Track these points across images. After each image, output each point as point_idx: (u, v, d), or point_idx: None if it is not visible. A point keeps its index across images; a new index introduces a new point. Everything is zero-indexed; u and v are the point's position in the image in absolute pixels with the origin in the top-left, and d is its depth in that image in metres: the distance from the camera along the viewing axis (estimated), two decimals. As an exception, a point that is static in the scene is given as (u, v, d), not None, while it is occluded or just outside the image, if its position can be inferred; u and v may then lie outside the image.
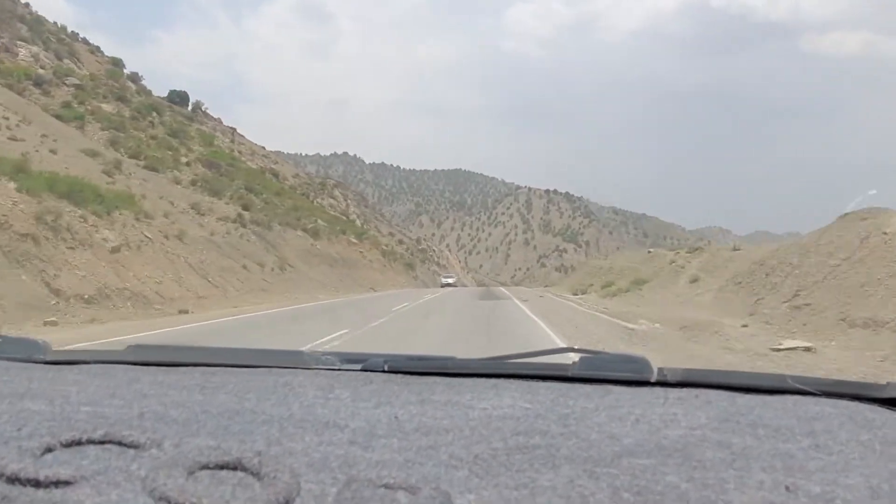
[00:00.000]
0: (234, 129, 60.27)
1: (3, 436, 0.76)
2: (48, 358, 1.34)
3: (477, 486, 0.70)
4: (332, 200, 66.32)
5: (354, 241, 47.70)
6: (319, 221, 42.67)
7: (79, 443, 0.74)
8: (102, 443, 0.75)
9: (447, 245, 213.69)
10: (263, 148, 67.65)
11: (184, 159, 39.20)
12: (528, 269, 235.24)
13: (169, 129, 43.39)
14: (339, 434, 0.84)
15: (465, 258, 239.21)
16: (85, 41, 56.29)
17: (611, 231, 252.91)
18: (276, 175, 54.42)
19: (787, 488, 0.71)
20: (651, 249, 43.04)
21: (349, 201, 73.38)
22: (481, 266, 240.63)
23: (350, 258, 45.55)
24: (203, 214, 29.19)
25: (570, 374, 1.19)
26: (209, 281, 23.27)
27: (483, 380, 1.17)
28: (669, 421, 0.91)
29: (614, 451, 0.79)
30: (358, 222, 70.06)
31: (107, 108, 40.00)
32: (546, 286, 59.83)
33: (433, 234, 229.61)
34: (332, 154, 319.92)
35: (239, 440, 0.80)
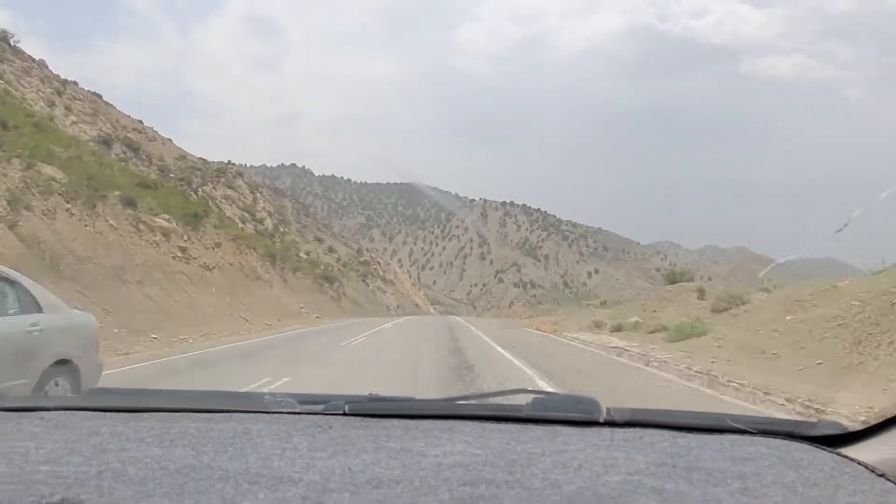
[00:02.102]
0: (74, 83, 46.21)
1: None
2: (7, 405, 1.34)
3: None
4: (230, 191, 52.84)
5: (238, 245, 35.21)
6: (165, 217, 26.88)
7: None
8: None
9: (399, 260, 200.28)
10: (140, 122, 53.96)
11: None
12: (484, 286, 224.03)
13: None
14: (292, 489, 0.83)
15: (418, 274, 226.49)
16: None
17: (570, 244, 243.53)
18: (134, 150, 40.81)
19: None
20: (670, 285, 30.69)
21: (260, 195, 59.93)
22: (435, 282, 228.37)
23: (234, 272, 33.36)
24: None
25: (522, 414, 1.24)
26: None
27: (440, 422, 1.22)
28: (610, 466, 0.94)
29: (555, 500, 0.81)
30: (269, 222, 56.60)
31: None
32: (530, 317, 47.61)
33: (385, 249, 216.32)
34: (279, 165, 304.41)
35: (194, 500, 0.79)
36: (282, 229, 62.07)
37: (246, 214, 52.32)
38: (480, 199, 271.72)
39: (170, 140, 57.86)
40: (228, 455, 0.97)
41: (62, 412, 1.28)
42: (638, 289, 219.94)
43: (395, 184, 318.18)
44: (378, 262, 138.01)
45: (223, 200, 49.57)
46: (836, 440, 1.16)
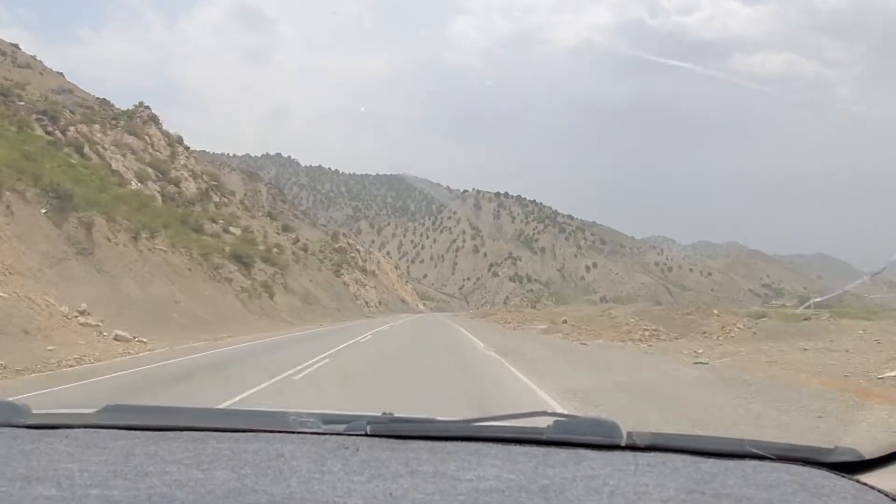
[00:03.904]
0: None
1: None
2: (29, 422, 1.34)
3: None
4: (134, 140, 40.99)
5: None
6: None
7: None
8: None
9: (387, 252, 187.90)
10: (16, 46, 42.19)
11: None
12: (478, 279, 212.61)
13: None
14: None
15: (408, 267, 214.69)
16: None
17: (567, 237, 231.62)
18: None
19: None
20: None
21: (185, 154, 48.14)
22: (425, 276, 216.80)
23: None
24: None
25: (544, 437, 1.25)
26: None
27: (464, 444, 1.23)
28: (642, 493, 0.96)
29: None
30: (192, 186, 44.74)
31: None
32: (533, 322, 38.16)
33: (373, 241, 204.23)
34: (263, 155, 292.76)
35: None
36: (217, 199, 50.19)
37: (150, 171, 40.47)
38: (473, 189, 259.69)
39: (61, 75, 47.07)
40: (269, 478, 0.99)
41: (87, 430, 1.29)
42: (639, 284, 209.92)
43: (385, 175, 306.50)
44: (357, 251, 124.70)
45: (113, 149, 37.73)
46: (854, 467, 1.18)
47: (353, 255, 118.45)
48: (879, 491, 1.04)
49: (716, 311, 23.91)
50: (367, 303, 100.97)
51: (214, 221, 41.53)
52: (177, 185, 42.79)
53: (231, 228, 42.20)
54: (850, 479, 1.11)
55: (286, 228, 64.31)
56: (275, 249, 47.45)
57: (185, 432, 1.28)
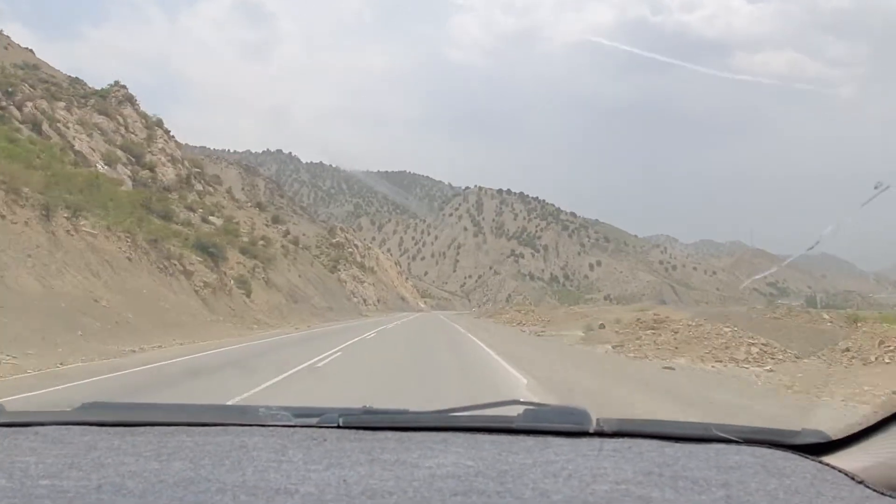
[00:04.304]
0: None
1: None
2: (2, 420, 1.35)
3: None
4: (104, 120, 38.00)
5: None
6: None
7: None
8: None
9: (388, 250, 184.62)
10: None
11: None
12: (479, 277, 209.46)
13: None
14: (289, 500, 0.86)
15: (409, 264, 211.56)
16: None
17: (570, 234, 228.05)
18: None
19: None
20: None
21: (165, 138, 45.08)
22: (426, 273, 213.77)
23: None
24: None
25: (514, 425, 1.27)
26: None
27: (434, 434, 1.25)
28: (599, 475, 0.97)
29: None
30: (170, 172, 41.73)
31: None
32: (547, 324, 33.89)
33: (373, 238, 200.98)
34: (264, 151, 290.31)
35: None
36: (200, 187, 47.09)
37: (120, 154, 37.34)
38: (475, 186, 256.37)
39: (30, 51, 44.16)
40: (226, 468, 0.99)
41: (58, 427, 1.28)
42: (643, 282, 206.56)
43: (386, 172, 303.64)
44: (355, 246, 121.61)
45: (78, 128, 34.60)
46: (819, 448, 1.19)
47: (350, 250, 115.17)
48: (840, 471, 1.05)
49: (864, 316, 18.13)
50: (364, 300, 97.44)
51: (192, 210, 38.42)
52: (152, 169, 39.68)
53: (211, 217, 39.12)
54: (813, 459, 1.13)
55: (276, 220, 61.06)
56: (261, 242, 44.32)
57: (155, 427, 1.27)
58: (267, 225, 56.61)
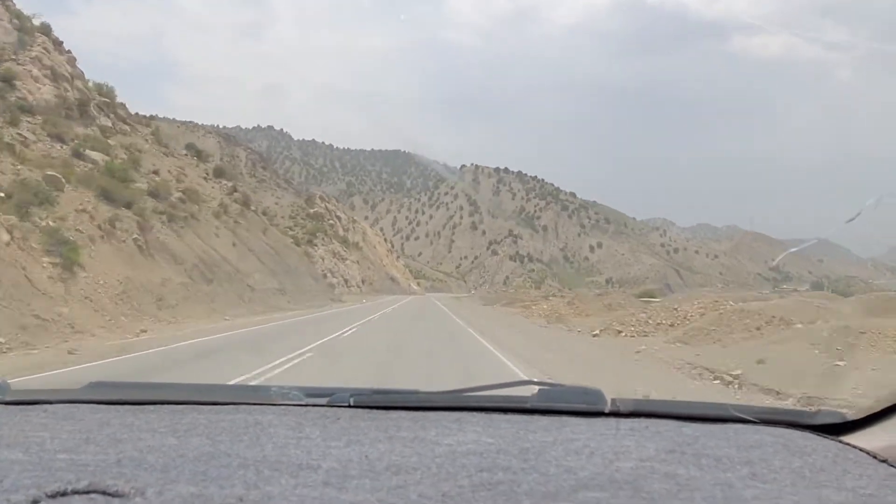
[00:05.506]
0: None
1: None
2: (8, 398, 1.35)
3: None
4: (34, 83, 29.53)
5: None
6: None
7: (64, 493, 0.75)
8: (87, 492, 0.75)
9: (381, 228, 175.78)
10: None
11: None
12: (476, 258, 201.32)
13: None
14: (313, 475, 0.86)
15: (402, 244, 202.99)
16: None
17: (570, 215, 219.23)
18: None
19: None
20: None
21: (35, 35, 36.56)
22: (420, 254, 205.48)
23: None
24: None
25: (528, 405, 1.27)
26: None
27: (447, 413, 1.25)
28: (621, 453, 0.98)
29: (570, 484, 0.84)
30: (50, 93, 33.22)
31: None
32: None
33: (366, 217, 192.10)
34: (254, 127, 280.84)
35: (218, 486, 0.81)
36: (107, 122, 38.43)
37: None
38: (472, 164, 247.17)
39: None
40: (244, 444, 0.99)
41: (67, 405, 1.27)
42: (646, 266, 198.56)
43: (380, 150, 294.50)
44: (337, 218, 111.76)
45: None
46: (837, 429, 1.20)
47: (332, 222, 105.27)
48: (861, 450, 1.06)
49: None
50: (345, 281, 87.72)
51: (63, 142, 29.85)
52: (10, 82, 30.95)
53: (89, 151, 30.44)
54: (833, 439, 1.13)
55: (220, 174, 52.41)
56: (179, 194, 35.59)
57: (165, 405, 1.27)
58: (206, 178, 48.22)
